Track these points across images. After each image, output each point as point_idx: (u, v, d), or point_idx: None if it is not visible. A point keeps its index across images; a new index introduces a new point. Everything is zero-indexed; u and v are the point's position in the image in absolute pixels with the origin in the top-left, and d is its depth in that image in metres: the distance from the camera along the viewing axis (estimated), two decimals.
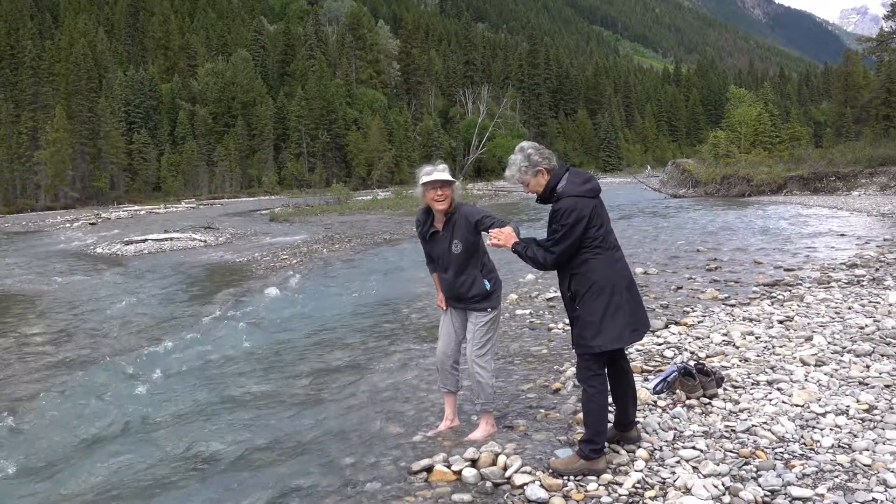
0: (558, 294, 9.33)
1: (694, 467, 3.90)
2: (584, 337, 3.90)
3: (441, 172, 4.49)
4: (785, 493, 3.52)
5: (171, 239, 23.71)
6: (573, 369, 5.70)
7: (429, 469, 4.14)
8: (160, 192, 72.82)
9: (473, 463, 4.14)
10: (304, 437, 5.02)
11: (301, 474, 4.34)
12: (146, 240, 23.49)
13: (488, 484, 3.94)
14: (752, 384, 5.17)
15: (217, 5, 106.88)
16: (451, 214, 4.52)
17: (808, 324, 6.80)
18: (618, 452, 4.15)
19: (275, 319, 9.70)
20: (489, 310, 4.59)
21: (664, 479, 3.81)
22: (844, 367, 5.37)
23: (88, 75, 71.38)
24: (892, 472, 3.63)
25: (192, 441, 5.14)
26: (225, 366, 7.35)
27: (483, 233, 4.49)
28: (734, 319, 7.28)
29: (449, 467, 4.12)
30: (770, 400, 4.80)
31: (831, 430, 4.25)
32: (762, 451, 4.03)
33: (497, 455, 4.18)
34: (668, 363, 5.80)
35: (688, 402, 4.88)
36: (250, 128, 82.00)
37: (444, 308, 4.82)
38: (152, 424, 5.62)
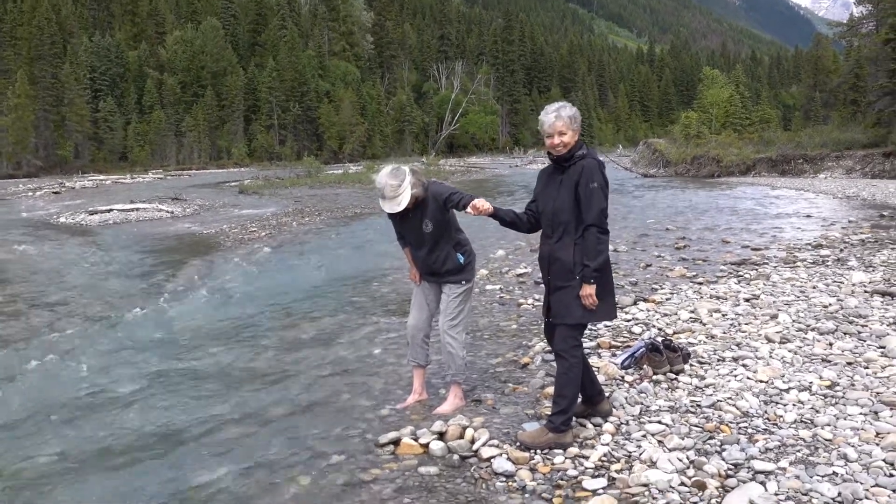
0: (529, 270, 9.37)
1: (659, 441, 3.93)
2: (581, 308, 3.87)
3: (391, 201, 4.37)
4: (748, 467, 3.56)
5: (138, 209, 23.27)
6: (542, 344, 5.72)
7: (396, 442, 4.12)
8: (127, 162, 71.30)
9: (441, 436, 4.13)
10: (270, 410, 4.97)
11: (267, 447, 4.30)
12: (111, 210, 23.01)
13: (455, 457, 3.94)
14: (718, 360, 5.23)
15: None
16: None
17: (774, 302, 6.89)
18: (584, 426, 4.17)
19: (242, 292, 9.57)
20: (463, 282, 4.62)
21: (630, 452, 3.84)
22: (808, 345, 5.45)
23: (52, 40, 69.28)
24: (853, 446, 3.69)
25: (155, 414, 5.05)
26: (190, 339, 7.24)
27: (455, 210, 4.46)
28: (702, 297, 7.36)
29: (416, 440, 4.11)
30: (735, 376, 4.86)
31: (794, 405, 4.31)
32: (727, 425, 4.08)
33: (465, 428, 4.17)
34: (636, 339, 5.84)
35: (654, 377, 4.92)
36: (220, 98, 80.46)
37: (417, 282, 4.79)
38: (114, 397, 5.51)
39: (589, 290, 3.80)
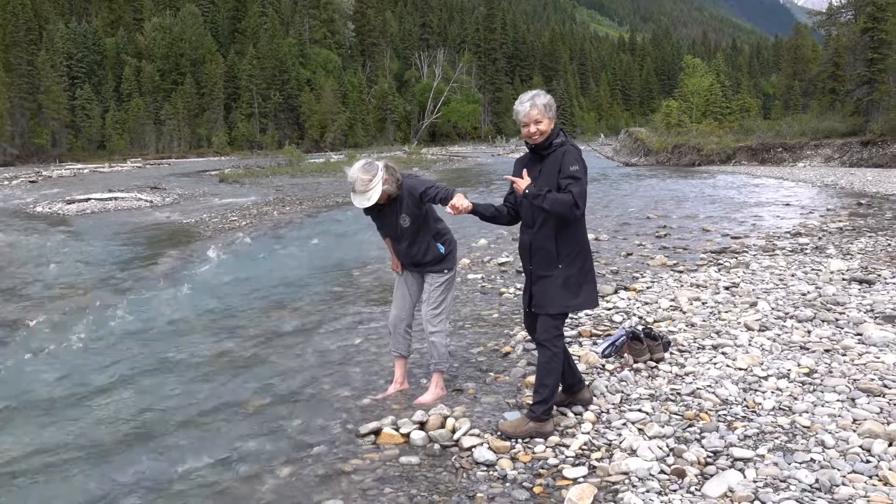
0: (510, 259, 9.37)
1: (640, 429, 3.94)
2: (564, 297, 3.87)
3: (360, 196, 4.31)
4: (727, 454, 3.58)
5: (116, 199, 23.00)
6: (523, 333, 5.72)
7: (377, 432, 4.11)
8: (105, 150, 70.45)
9: (422, 426, 4.12)
10: (251, 400, 4.93)
11: (248, 438, 4.27)
12: (89, 199, 22.73)
13: (436, 446, 3.93)
14: (698, 348, 5.26)
15: None
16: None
17: (753, 290, 6.94)
18: (565, 415, 4.18)
19: (222, 282, 9.49)
20: (445, 271, 4.62)
21: (610, 440, 3.85)
22: (787, 333, 5.50)
23: (27, 26, 68.10)
24: (830, 433, 3.73)
25: (132, 406, 5.00)
26: (170, 329, 7.17)
27: (433, 204, 4.42)
28: (682, 285, 7.39)
29: (397, 430, 4.10)
30: (715, 364, 4.89)
31: (773, 392, 4.34)
32: (706, 413, 4.10)
33: (446, 418, 4.16)
34: (617, 328, 5.86)
35: (635, 365, 4.94)
36: (199, 86, 79.63)
37: (399, 271, 4.77)
38: (94, 388, 5.44)
39: (522, 185, 3.78)
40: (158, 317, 7.66)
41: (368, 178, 4.28)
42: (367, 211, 4.50)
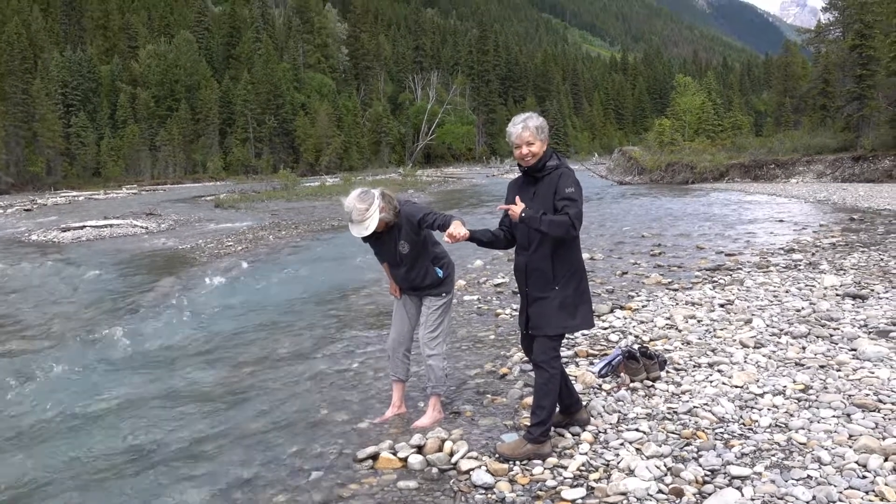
0: (506, 280, 9.39)
1: (637, 449, 3.95)
2: (561, 318, 3.89)
3: (358, 225, 4.33)
4: (724, 473, 3.59)
5: (111, 225, 23.00)
6: (520, 354, 5.73)
7: (374, 456, 4.11)
8: (100, 177, 70.47)
9: (419, 449, 4.12)
10: (247, 426, 4.92)
11: (245, 465, 4.26)
12: (84, 226, 22.74)
13: (434, 470, 3.93)
14: (694, 366, 5.27)
15: None
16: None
17: (748, 307, 6.97)
18: (563, 436, 4.19)
19: (218, 307, 9.49)
20: (443, 294, 4.65)
21: (608, 461, 3.85)
22: (782, 349, 5.52)
23: (22, 55, 68.44)
24: (826, 449, 3.74)
25: (131, 433, 4.98)
26: (166, 355, 7.16)
27: (431, 231, 4.45)
28: (677, 303, 7.42)
29: (395, 454, 4.09)
30: (711, 382, 4.90)
31: (769, 409, 4.36)
32: (703, 431, 4.11)
33: (443, 441, 4.16)
34: (613, 347, 5.87)
35: (632, 384, 4.95)
36: (194, 112, 79.92)
37: (398, 296, 4.79)
38: (91, 416, 5.43)
39: (517, 210, 3.79)
40: (153, 344, 7.65)
41: (365, 208, 4.30)
42: (366, 239, 4.51)
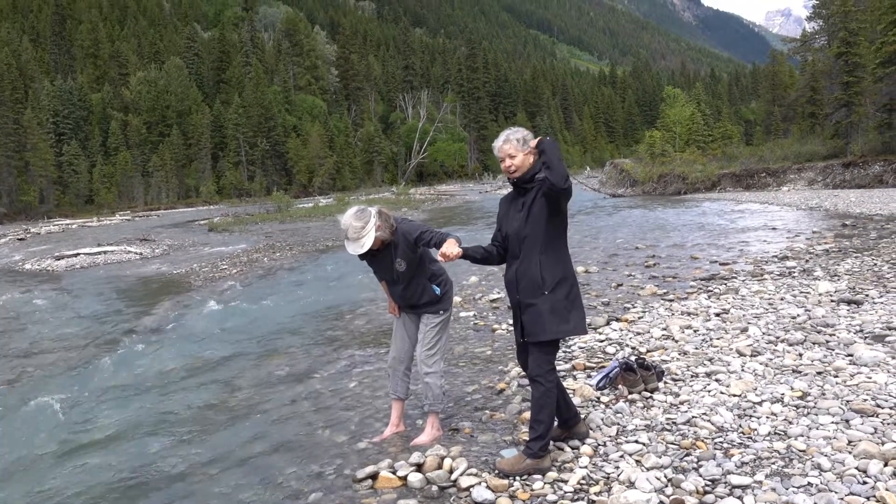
0: (501, 295, 9.39)
1: (637, 461, 3.94)
2: (554, 322, 3.88)
3: (354, 243, 4.36)
4: (725, 482, 3.58)
5: (105, 252, 22.97)
6: (517, 369, 5.72)
7: (374, 476, 4.08)
8: (93, 204, 70.47)
9: (419, 468, 4.10)
10: (245, 449, 4.89)
11: (243, 488, 4.23)
12: (78, 254, 22.69)
13: (434, 488, 3.91)
14: (692, 376, 5.27)
15: (148, 12, 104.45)
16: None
17: (744, 315, 6.98)
18: (562, 450, 4.17)
19: (214, 331, 9.46)
20: (441, 311, 4.65)
21: (608, 473, 3.84)
22: (779, 356, 5.52)
23: (13, 85, 68.68)
24: (826, 455, 3.73)
25: (129, 458, 4.95)
26: (162, 380, 7.12)
27: (427, 248, 4.48)
28: (673, 314, 7.42)
29: (394, 473, 4.07)
30: (709, 391, 4.90)
31: (768, 417, 4.35)
32: (702, 441, 4.10)
33: (443, 458, 4.15)
34: (610, 359, 5.87)
35: (630, 396, 4.94)
36: (186, 137, 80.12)
37: (397, 314, 4.80)
38: (87, 443, 5.40)
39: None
40: (150, 369, 7.62)
41: (361, 226, 4.32)
42: (362, 257, 4.53)
